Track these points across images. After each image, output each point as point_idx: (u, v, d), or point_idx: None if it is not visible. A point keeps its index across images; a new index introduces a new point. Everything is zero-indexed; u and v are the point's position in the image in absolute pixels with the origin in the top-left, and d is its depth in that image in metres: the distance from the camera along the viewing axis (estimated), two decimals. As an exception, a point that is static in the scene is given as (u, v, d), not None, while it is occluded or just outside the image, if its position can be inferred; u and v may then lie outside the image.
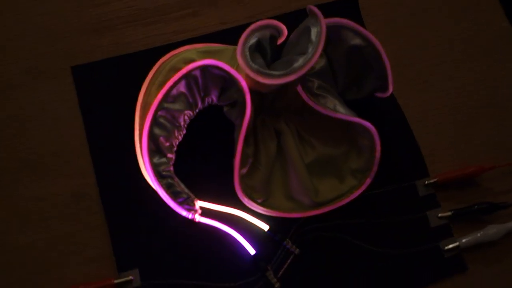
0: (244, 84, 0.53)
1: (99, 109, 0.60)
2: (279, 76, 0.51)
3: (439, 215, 0.59)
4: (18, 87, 0.61)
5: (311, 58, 0.51)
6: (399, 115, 0.62)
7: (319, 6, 0.53)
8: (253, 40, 0.52)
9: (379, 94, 0.59)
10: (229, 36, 0.59)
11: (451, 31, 0.67)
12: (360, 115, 0.56)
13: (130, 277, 0.54)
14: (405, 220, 0.59)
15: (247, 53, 0.51)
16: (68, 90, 0.61)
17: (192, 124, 0.57)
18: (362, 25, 0.64)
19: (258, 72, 0.51)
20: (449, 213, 0.58)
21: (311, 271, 0.56)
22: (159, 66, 0.57)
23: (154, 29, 0.64)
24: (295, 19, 0.56)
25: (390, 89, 0.58)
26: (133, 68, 0.61)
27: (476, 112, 0.64)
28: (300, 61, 0.51)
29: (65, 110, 0.60)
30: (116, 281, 0.53)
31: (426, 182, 0.59)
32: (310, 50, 0.51)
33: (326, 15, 0.53)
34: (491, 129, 0.64)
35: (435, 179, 0.59)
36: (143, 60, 0.58)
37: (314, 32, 0.52)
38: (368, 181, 0.57)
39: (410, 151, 0.61)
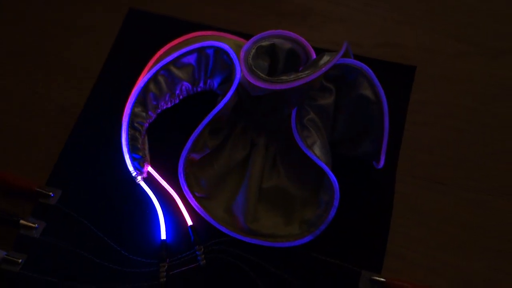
0: (238, 74, 0.51)
1: (128, 50, 0.64)
2: (263, 80, 0.49)
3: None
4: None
5: (303, 78, 0.48)
6: (387, 200, 0.54)
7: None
8: (266, 42, 0.51)
9: (375, 162, 0.53)
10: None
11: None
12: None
13: (50, 193, 0.55)
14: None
15: (253, 50, 0.50)
16: (114, 25, 0.66)
17: (188, 102, 0.57)
18: (408, 94, 0.60)
19: (249, 68, 0.49)
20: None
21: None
22: (191, 37, 0.58)
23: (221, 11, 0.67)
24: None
25: (381, 162, 0.52)
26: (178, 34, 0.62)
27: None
28: (292, 76, 0.48)
29: (103, 35, 0.66)
30: (37, 189, 0.54)
31: (373, 278, 0.51)
32: (308, 71, 0.48)
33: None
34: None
35: (384, 280, 0.50)
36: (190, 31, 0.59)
37: (324, 59, 0.49)
38: (309, 237, 0.51)
39: (375, 238, 0.53)
